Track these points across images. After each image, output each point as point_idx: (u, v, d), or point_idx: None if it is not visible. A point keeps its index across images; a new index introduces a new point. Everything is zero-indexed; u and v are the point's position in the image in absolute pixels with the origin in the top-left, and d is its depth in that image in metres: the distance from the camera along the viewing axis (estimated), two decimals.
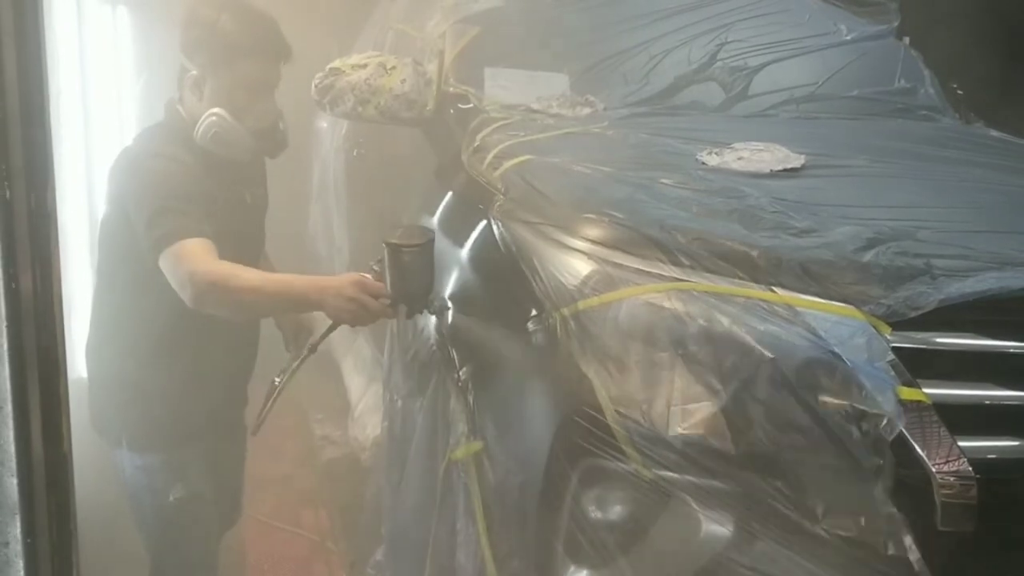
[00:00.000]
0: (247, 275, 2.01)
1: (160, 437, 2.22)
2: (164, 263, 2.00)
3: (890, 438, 1.54)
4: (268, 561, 3.21)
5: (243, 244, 2.24)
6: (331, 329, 2.08)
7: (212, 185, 2.14)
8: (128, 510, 2.35)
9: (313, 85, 2.74)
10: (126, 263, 2.14)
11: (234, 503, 2.61)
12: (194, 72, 2.13)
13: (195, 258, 1.98)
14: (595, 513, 1.72)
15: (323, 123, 4.34)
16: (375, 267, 1.99)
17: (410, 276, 1.95)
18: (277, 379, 2.15)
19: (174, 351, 2.16)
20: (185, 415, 2.21)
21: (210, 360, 2.21)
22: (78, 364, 2.70)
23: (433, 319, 2.10)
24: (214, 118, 2.09)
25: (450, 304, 2.05)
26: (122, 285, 2.18)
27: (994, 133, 2.99)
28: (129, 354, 2.18)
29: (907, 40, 3.44)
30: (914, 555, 1.51)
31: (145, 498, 2.26)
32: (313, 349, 2.12)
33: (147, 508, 2.28)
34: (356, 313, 1.97)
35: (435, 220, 2.39)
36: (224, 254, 2.04)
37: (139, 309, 2.15)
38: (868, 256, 1.72)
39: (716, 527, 1.62)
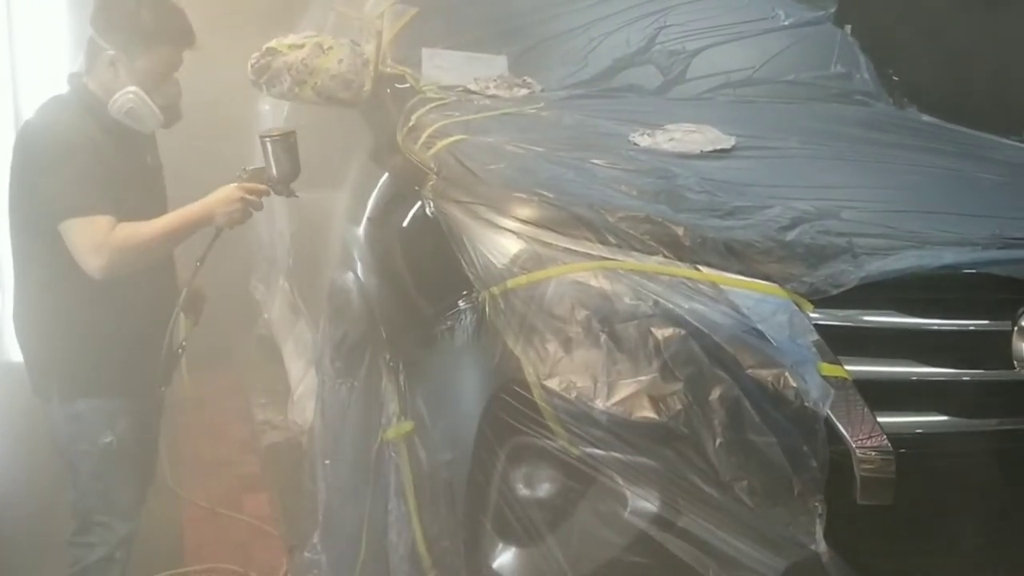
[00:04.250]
0: (144, 227, 2.27)
1: (88, 385, 2.35)
2: (68, 232, 2.20)
3: (823, 413, 1.56)
4: (208, 546, 3.18)
5: (150, 201, 2.42)
6: (216, 235, 2.45)
7: (118, 154, 2.31)
8: (63, 464, 2.45)
9: (249, 65, 2.71)
10: (35, 231, 2.28)
11: (153, 458, 2.72)
12: (110, 52, 2.29)
13: (100, 232, 2.19)
14: (523, 490, 1.74)
15: (265, 106, 4.28)
16: (243, 174, 2.42)
17: (292, 158, 2.40)
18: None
19: (95, 307, 2.30)
20: (110, 366, 2.35)
21: (130, 313, 2.34)
22: (8, 346, 2.66)
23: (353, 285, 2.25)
24: (131, 95, 2.28)
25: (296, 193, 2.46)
26: (34, 251, 2.31)
27: (926, 118, 3.06)
28: (53, 313, 2.32)
29: (848, 28, 3.48)
30: (821, 547, 1.53)
31: (78, 445, 2.38)
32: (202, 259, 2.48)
33: (78, 455, 2.40)
34: (242, 211, 2.36)
35: (371, 200, 2.39)
36: (133, 213, 2.26)
37: (56, 270, 2.28)
38: (791, 235, 1.75)
39: (642, 503, 1.64)
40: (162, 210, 2.50)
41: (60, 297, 2.30)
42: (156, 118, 2.35)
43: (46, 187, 2.21)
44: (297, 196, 2.50)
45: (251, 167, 2.46)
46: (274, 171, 2.41)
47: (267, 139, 2.42)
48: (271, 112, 4.14)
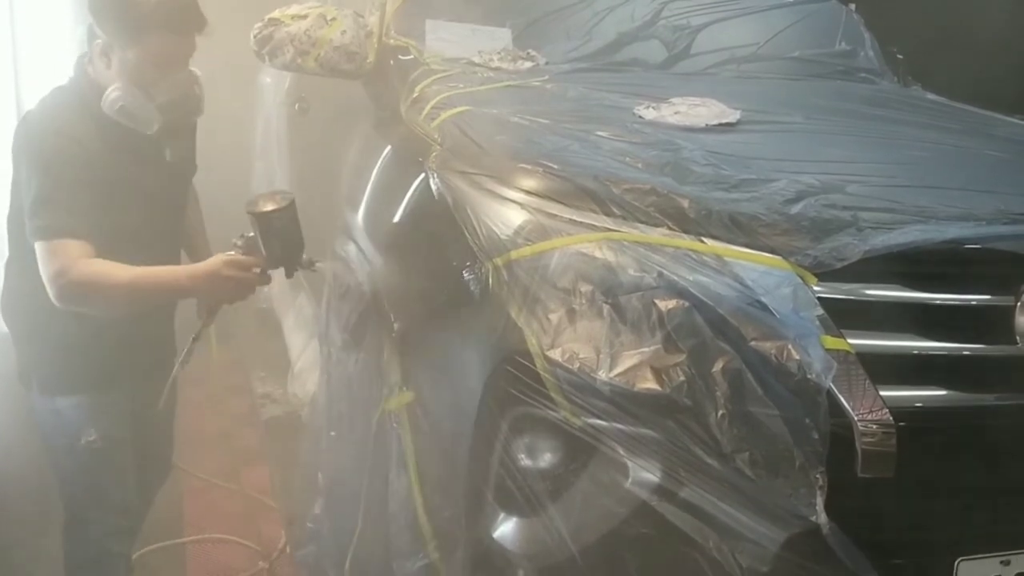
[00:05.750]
0: (117, 273, 2.01)
1: (69, 381, 2.21)
2: (39, 252, 2.02)
3: (825, 385, 1.56)
4: (207, 518, 3.20)
5: (159, 202, 2.24)
6: (212, 314, 2.17)
7: (115, 153, 2.11)
8: (45, 455, 2.32)
9: (252, 36, 2.69)
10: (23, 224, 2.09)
11: (164, 452, 2.60)
12: (100, 40, 2.07)
13: (66, 257, 1.99)
14: (525, 461, 1.73)
15: (267, 78, 4.27)
16: (238, 242, 2.05)
17: (285, 237, 2.03)
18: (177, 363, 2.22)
19: None
20: (96, 360, 2.19)
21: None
22: None
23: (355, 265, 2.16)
24: (120, 92, 2.05)
25: (316, 261, 2.15)
26: (23, 240, 2.11)
27: (931, 96, 3.04)
28: (38, 300, 2.12)
29: (853, 6, 3.47)
30: (822, 519, 1.53)
31: (57, 440, 2.25)
32: (197, 338, 2.19)
33: (59, 451, 2.26)
34: (234, 291, 2.07)
35: (374, 172, 2.38)
36: (132, 217, 2.09)
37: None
38: (796, 208, 1.74)
39: (643, 474, 1.63)
40: (176, 211, 2.36)
41: (41, 287, 2.07)
42: (152, 116, 2.10)
43: (27, 199, 2.04)
44: (315, 269, 2.14)
45: (248, 234, 2.04)
46: (263, 252, 2.03)
47: (252, 216, 1.99)
48: (273, 84, 4.13)
